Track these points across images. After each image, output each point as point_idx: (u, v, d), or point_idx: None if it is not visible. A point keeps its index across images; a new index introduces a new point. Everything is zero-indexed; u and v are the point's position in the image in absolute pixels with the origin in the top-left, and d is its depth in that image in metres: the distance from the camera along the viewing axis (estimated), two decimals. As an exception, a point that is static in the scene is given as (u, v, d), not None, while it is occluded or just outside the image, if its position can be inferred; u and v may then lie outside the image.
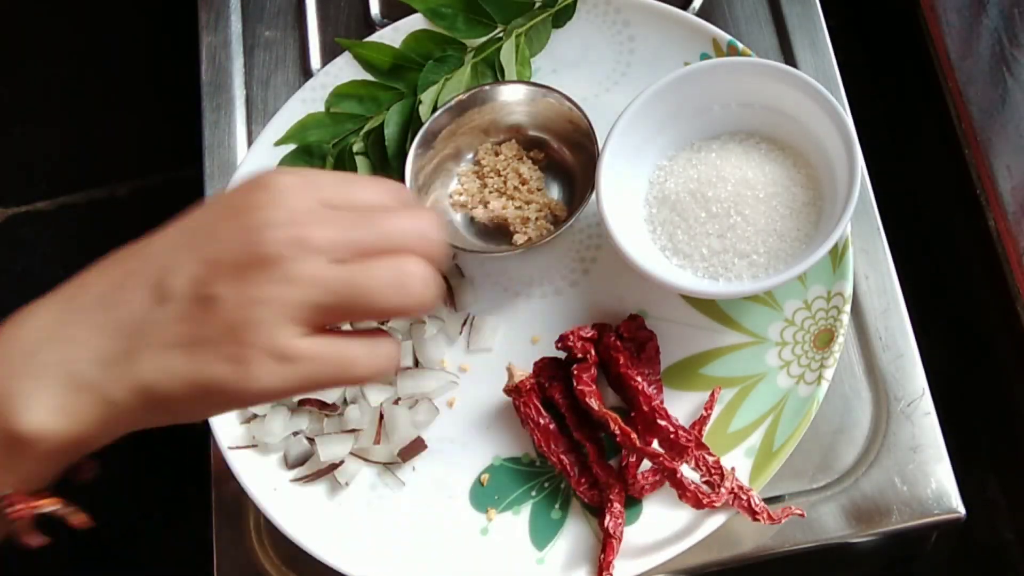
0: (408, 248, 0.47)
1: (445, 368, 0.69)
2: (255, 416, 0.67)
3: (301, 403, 0.66)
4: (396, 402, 0.67)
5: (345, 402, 0.67)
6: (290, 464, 0.66)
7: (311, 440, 0.67)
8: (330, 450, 0.66)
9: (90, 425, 0.46)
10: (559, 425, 0.65)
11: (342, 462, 0.66)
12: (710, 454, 0.61)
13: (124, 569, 0.95)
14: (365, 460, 0.67)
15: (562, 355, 0.66)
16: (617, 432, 0.61)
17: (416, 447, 0.66)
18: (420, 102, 0.72)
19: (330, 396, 0.66)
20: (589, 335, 0.65)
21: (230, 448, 0.66)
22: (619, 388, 0.64)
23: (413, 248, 0.47)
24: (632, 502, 0.63)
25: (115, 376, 0.45)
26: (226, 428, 0.67)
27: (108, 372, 0.46)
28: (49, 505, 0.48)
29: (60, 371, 0.46)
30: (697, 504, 0.60)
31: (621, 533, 0.61)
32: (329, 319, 0.46)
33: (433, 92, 0.73)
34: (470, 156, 0.74)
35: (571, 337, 0.65)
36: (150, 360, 0.45)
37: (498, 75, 0.74)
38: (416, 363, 0.68)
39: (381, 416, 0.67)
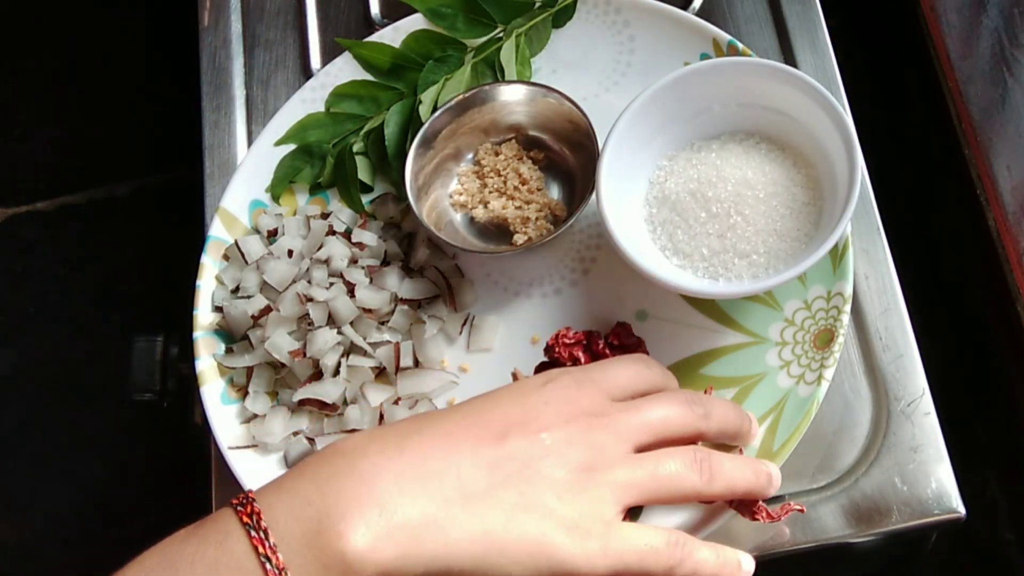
0: (686, 426, 0.56)
1: (445, 368, 0.69)
2: (255, 416, 0.67)
3: (301, 403, 0.66)
4: (396, 402, 0.67)
5: (345, 402, 0.67)
6: (290, 464, 0.66)
7: (311, 440, 0.67)
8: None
9: (418, 559, 0.47)
10: None
11: None
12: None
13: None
14: None
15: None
16: None
17: None
18: (420, 102, 0.73)
19: (330, 396, 0.66)
20: (574, 340, 0.64)
21: (230, 448, 0.66)
22: None
23: (691, 425, 0.56)
24: (632, 502, 0.63)
25: (460, 514, 0.48)
26: (226, 428, 0.67)
27: (451, 509, 0.48)
28: None
29: (397, 503, 0.47)
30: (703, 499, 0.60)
31: None
32: (640, 501, 0.53)
33: (433, 92, 0.73)
34: (470, 156, 0.74)
35: (556, 347, 0.64)
36: (497, 509, 0.48)
37: (498, 75, 0.74)
38: (416, 363, 0.68)
39: (381, 416, 0.67)
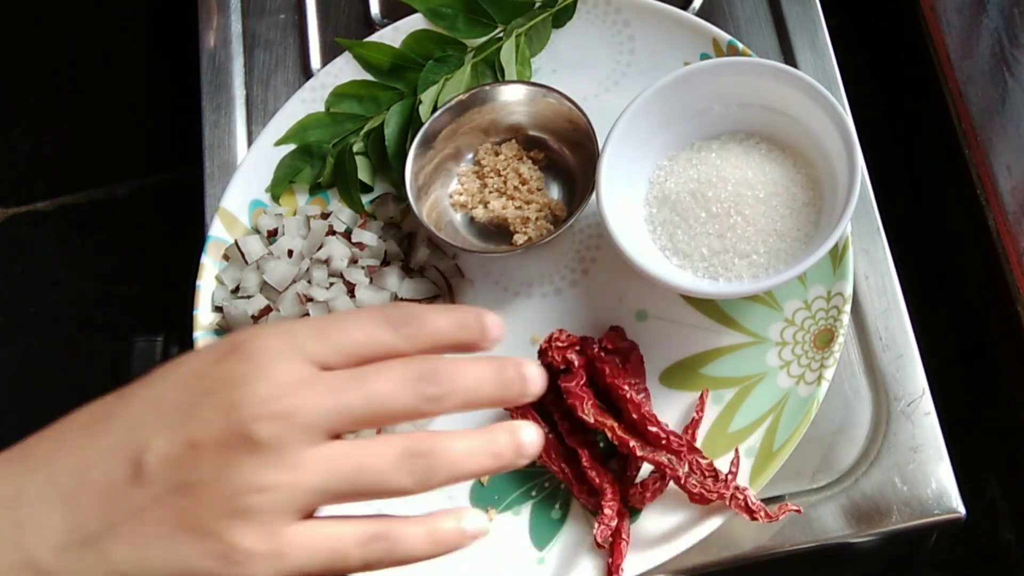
0: (410, 409, 0.42)
1: None
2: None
3: None
4: None
5: None
6: None
7: None
8: None
9: None
10: (558, 434, 0.65)
11: None
12: (703, 457, 0.61)
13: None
14: None
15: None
16: (616, 442, 0.61)
17: None
18: (420, 102, 0.73)
19: None
20: (567, 343, 0.64)
21: None
22: (607, 399, 0.64)
23: (417, 407, 0.42)
24: (632, 502, 0.63)
25: (78, 565, 0.40)
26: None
27: (70, 559, 0.40)
28: None
29: (16, 555, 0.40)
30: (705, 501, 0.60)
31: (628, 535, 0.61)
32: (332, 503, 0.42)
33: (433, 92, 0.73)
34: (470, 156, 0.74)
35: (549, 352, 0.64)
36: (124, 548, 0.40)
37: (498, 75, 0.74)
38: None
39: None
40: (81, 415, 0.44)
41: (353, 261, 0.70)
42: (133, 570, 0.40)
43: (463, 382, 0.43)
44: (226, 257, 0.72)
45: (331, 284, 0.69)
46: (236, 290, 0.70)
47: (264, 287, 0.69)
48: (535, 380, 0.44)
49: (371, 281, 0.69)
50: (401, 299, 0.69)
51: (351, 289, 0.68)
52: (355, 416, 0.41)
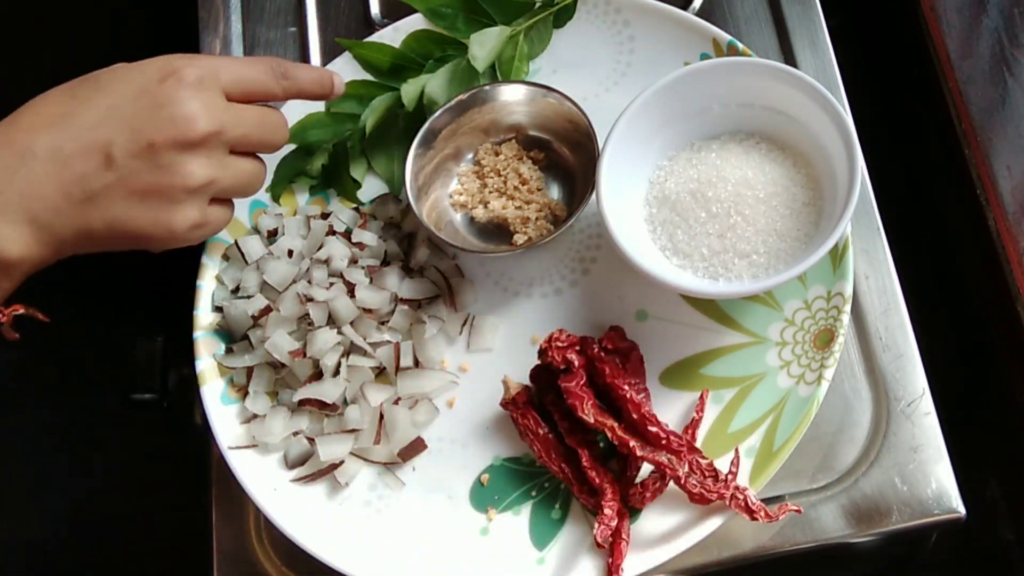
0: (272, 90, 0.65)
1: (445, 368, 0.69)
2: (255, 416, 0.67)
3: (301, 403, 0.66)
4: (396, 402, 0.67)
5: (345, 402, 0.67)
6: (290, 464, 0.66)
7: (311, 440, 0.67)
8: (330, 450, 0.66)
9: (47, 254, 0.60)
10: (558, 434, 0.65)
11: (342, 462, 0.66)
12: (703, 457, 0.61)
13: (123, 568, 0.95)
14: (365, 460, 0.67)
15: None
16: (616, 442, 0.61)
17: (416, 447, 0.66)
18: (406, 82, 0.73)
19: (330, 396, 0.66)
20: (567, 343, 0.64)
21: (230, 448, 0.66)
22: (607, 399, 0.64)
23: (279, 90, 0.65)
24: (632, 502, 0.63)
25: (67, 221, 0.59)
26: (226, 428, 0.67)
27: (62, 217, 0.58)
28: (20, 309, 0.63)
29: (27, 216, 0.58)
30: (706, 501, 0.60)
31: (628, 535, 0.61)
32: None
33: (421, 80, 0.73)
34: (470, 156, 0.74)
35: (549, 350, 0.64)
36: (96, 212, 0.59)
37: (498, 75, 0.74)
38: (416, 363, 0.68)
39: (381, 416, 0.67)
40: (45, 110, 0.60)
41: (353, 261, 0.70)
42: (104, 223, 0.59)
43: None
44: (226, 257, 0.72)
45: (331, 284, 0.69)
46: (236, 290, 0.70)
47: (264, 287, 0.69)
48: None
49: (371, 281, 0.69)
50: (401, 299, 0.69)
51: (351, 289, 0.68)
52: (249, 142, 0.63)
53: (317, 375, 0.67)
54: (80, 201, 0.58)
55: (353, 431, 0.66)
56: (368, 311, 0.68)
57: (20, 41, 1.22)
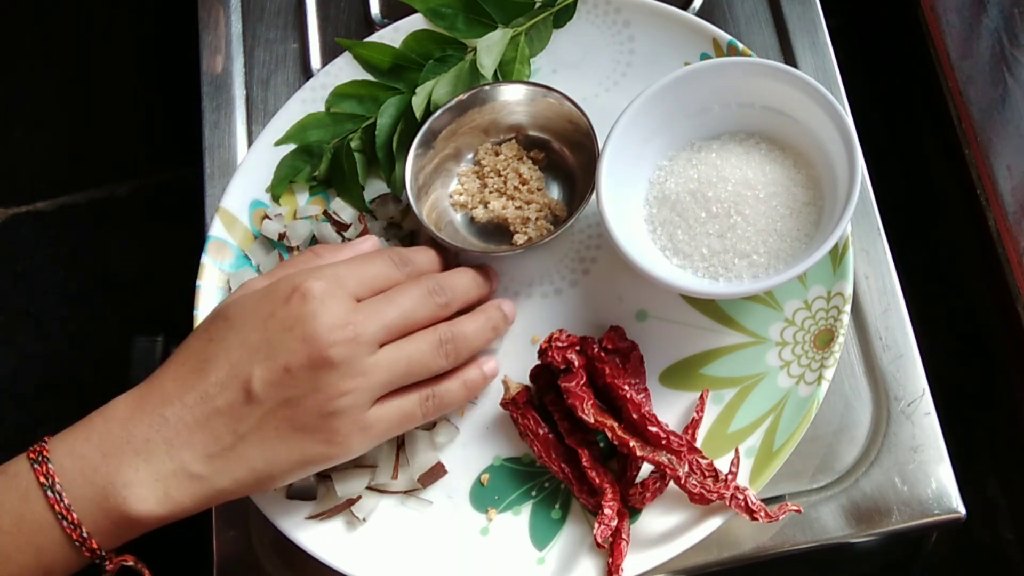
0: (429, 316, 0.62)
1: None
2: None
3: None
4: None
5: None
6: (289, 495, 0.65)
7: (318, 475, 0.65)
8: (347, 487, 0.64)
9: (192, 507, 0.57)
10: (558, 434, 0.65)
11: (359, 497, 0.64)
12: (703, 457, 0.61)
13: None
14: (383, 492, 0.65)
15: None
16: (616, 442, 0.61)
17: (436, 472, 0.65)
18: (415, 94, 0.72)
19: None
20: (567, 343, 0.64)
21: None
22: (607, 399, 0.64)
23: (434, 314, 0.62)
24: (632, 502, 0.63)
25: (223, 468, 0.57)
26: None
27: (216, 465, 0.57)
28: (129, 560, 0.59)
29: (172, 465, 0.56)
30: (706, 501, 0.60)
31: (628, 535, 0.61)
32: (394, 388, 0.60)
33: (428, 87, 0.73)
34: (470, 156, 0.74)
35: (549, 350, 0.64)
36: (254, 450, 0.57)
37: (498, 75, 0.74)
38: None
39: (398, 447, 0.66)
40: (187, 360, 0.59)
41: None
42: (263, 465, 0.57)
43: (459, 288, 0.65)
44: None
45: None
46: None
47: None
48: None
49: None
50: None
51: None
52: (395, 328, 0.60)
53: None
54: (231, 444, 0.57)
55: (370, 467, 0.65)
56: None
57: (20, 41, 1.22)
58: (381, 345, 0.59)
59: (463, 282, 0.65)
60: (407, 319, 0.61)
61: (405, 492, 0.66)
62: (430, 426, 0.66)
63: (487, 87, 0.72)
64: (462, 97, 0.72)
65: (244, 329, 0.58)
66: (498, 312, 0.66)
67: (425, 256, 0.66)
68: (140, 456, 0.56)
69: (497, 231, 0.71)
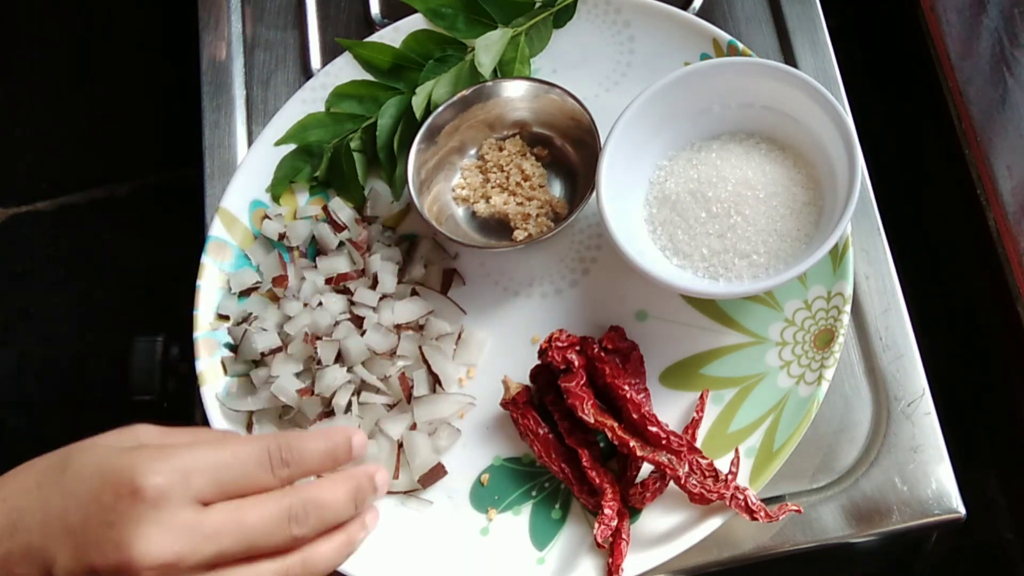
0: (278, 546, 0.51)
1: (471, 377, 0.68)
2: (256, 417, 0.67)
3: None
4: (413, 427, 0.67)
5: None
6: None
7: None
8: None
9: None
10: (558, 434, 0.65)
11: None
12: (703, 457, 0.61)
13: None
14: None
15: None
16: (616, 442, 0.61)
17: (437, 473, 0.65)
18: (415, 94, 0.72)
19: None
20: (567, 343, 0.64)
21: None
22: (607, 399, 0.64)
23: (284, 544, 0.51)
24: (632, 502, 0.63)
25: None
26: (226, 428, 0.67)
27: None
28: None
29: None
30: (706, 501, 0.60)
31: (628, 535, 0.61)
32: None
33: (428, 86, 0.73)
34: (473, 151, 0.74)
35: (549, 350, 0.64)
36: None
37: (497, 74, 0.74)
38: (434, 388, 0.67)
39: (399, 446, 0.66)
40: (16, 489, 0.52)
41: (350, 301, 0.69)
42: None
43: (326, 513, 0.52)
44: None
45: (337, 323, 0.68)
46: (245, 292, 0.71)
47: (281, 329, 0.69)
48: (383, 486, 0.54)
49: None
50: (397, 326, 0.68)
51: (359, 322, 0.68)
52: (232, 556, 0.50)
53: (327, 413, 0.66)
54: None
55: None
56: (377, 352, 0.67)
57: (19, 41, 1.22)
58: (209, 568, 0.50)
59: (333, 504, 0.53)
60: (249, 548, 0.50)
61: (405, 492, 0.66)
62: (431, 431, 0.66)
63: (490, 83, 0.72)
64: (465, 93, 0.72)
65: (68, 498, 0.51)
66: (369, 482, 0.54)
67: (316, 449, 0.53)
68: None
69: (498, 226, 0.71)
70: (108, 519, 0.49)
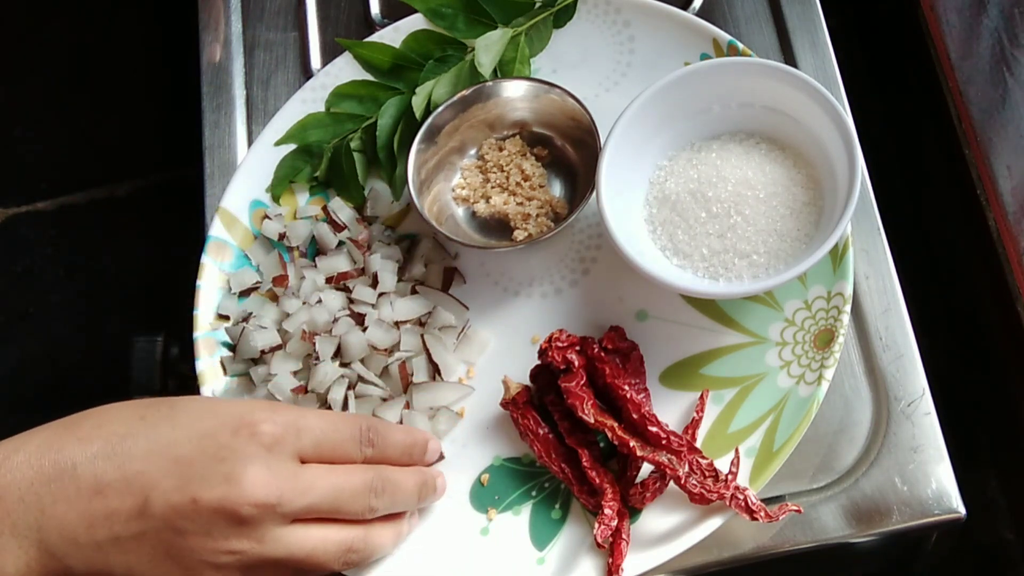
0: (357, 515, 0.57)
1: (472, 376, 0.68)
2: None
3: None
4: (407, 406, 0.67)
5: None
6: None
7: None
8: None
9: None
10: (558, 434, 0.65)
11: None
12: (703, 457, 0.61)
13: None
14: None
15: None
16: (616, 442, 0.61)
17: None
18: (415, 94, 0.72)
19: None
20: (567, 343, 0.64)
21: None
22: (607, 399, 0.64)
23: (362, 514, 0.57)
24: (632, 502, 0.63)
25: (82, 556, 0.52)
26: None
27: (77, 551, 0.52)
28: None
29: (39, 537, 0.52)
30: (706, 501, 0.60)
31: (628, 535, 0.61)
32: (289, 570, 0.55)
33: (428, 86, 0.73)
34: (473, 151, 0.74)
35: (549, 350, 0.64)
36: (117, 556, 0.53)
37: (497, 74, 0.74)
38: (433, 376, 0.67)
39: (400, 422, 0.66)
40: (110, 422, 0.55)
41: (349, 301, 0.69)
42: (122, 573, 0.53)
43: (399, 496, 0.60)
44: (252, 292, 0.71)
45: (336, 319, 0.68)
46: (244, 292, 0.70)
47: (280, 326, 0.69)
48: (443, 489, 0.64)
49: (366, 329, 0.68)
50: (397, 323, 0.68)
51: (360, 320, 0.68)
52: (319, 512, 0.55)
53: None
54: (103, 540, 0.52)
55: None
56: (377, 348, 0.67)
57: (19, 41, 1.22)
58: (295, 520, 0.55)
59: (405, 491, 0.60)
60: (334, 508, 0.56)
61: None
62: (431, 415, 0.67)
63: (490, 83, 0.72)
64: (465, 93, 0.72)
65: (179, 431, 0.54)
66: (433, 481, 0.63)
67: (397, 442, 0.61)
68: (17, 515, 0.52)
69: (498, 226, 0.71)
70: (221, 454, 0.53)
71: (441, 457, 0.66)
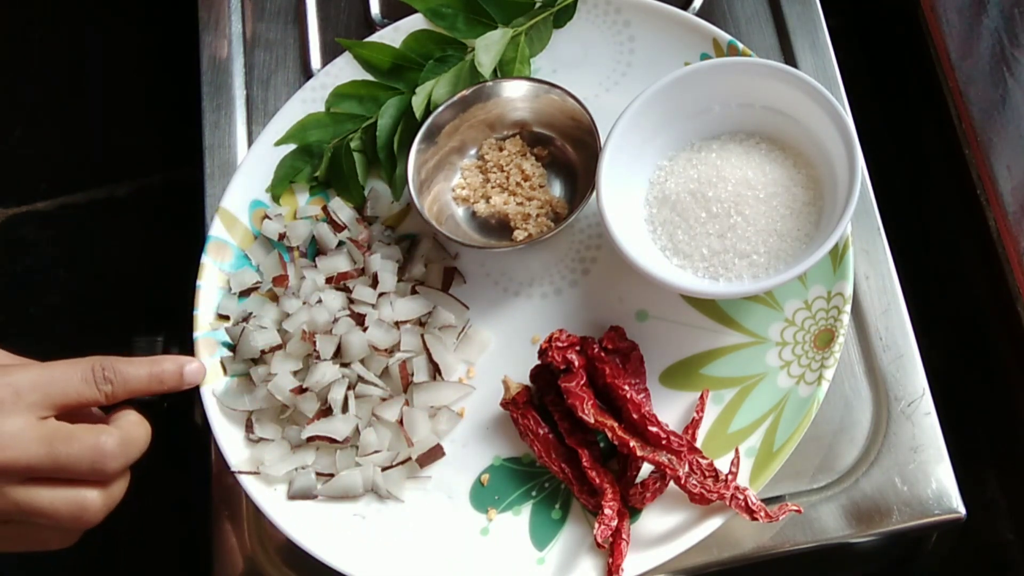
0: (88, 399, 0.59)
1: (471, 375, 0.68)
2: (261, 439, 0.67)
3: (309, 440, 0.65)
4: (406, 403, 0.67)
5: (357, 431, 0.66)
6: (290, 495, 0.65)
7: (320, 475, 0.66)
8: (353, 479, 0.65)
9: None
10: (558, 434, 0.65)
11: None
12: (703, 457, 0.61)
13: (123, 568, 0.95)
14: (383, 469, 0.66)
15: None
16: (616, 442, 0.61)
17: (434, 454, 0.66)
18: (415, 94, 0.72)
19: (340, 434, 0.65)
20: (567, 343, 0.64)
21: (236, 472, 0.66)
22: (607, 399, 0.64)
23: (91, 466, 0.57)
24: (632, 502, 0.63)
25: None
26: (226, 428, 0.67)
27: None
28: None
29: None
30: (706, 501, 0.60)
31: (628, 535, 0.61)
32: None
33: (428, 86, 0.73)
34: (473, 151, 0.74)
35: (549, 352, 0.64)
36: None
37: (497, 74, 0.74)
38: (435, 376, 0.67)
39: (401, 424, 0.66)
40: None
41: (349, 301, 0.69)
42: None
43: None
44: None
45: (336, 320, 0.68)
46: (245, 291, 0.70)
47: (280, 326, 0.69)
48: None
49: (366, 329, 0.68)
50: (397, 322, 0.68)
51: (360, 321, 0.68)
52: (56, 467, 0.56)
53: (325, 411, 0.66)
54: None
55: (376, 452, 0.66)
56: (378, 349, 0.67)
57: (19, 41, 1.22)
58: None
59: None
60: (57, 403, 0.58)
61: (403, 463, 0.66)
62: (431, 414, 0.67)
63: (490, 83, 0.72)
64: (465, 93, 0.72)
65: None
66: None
67: (139, 372, 0.61)
68: None
69: (498, 226, 0.71)
70: None
71: (442, 453, 0.66)
